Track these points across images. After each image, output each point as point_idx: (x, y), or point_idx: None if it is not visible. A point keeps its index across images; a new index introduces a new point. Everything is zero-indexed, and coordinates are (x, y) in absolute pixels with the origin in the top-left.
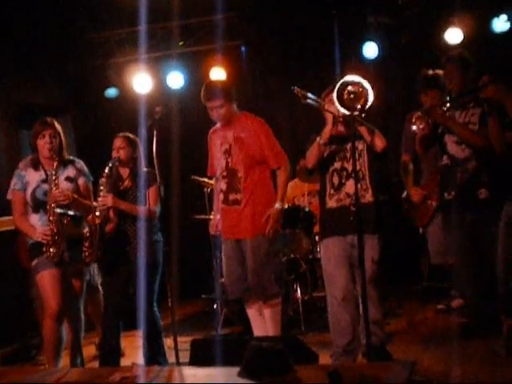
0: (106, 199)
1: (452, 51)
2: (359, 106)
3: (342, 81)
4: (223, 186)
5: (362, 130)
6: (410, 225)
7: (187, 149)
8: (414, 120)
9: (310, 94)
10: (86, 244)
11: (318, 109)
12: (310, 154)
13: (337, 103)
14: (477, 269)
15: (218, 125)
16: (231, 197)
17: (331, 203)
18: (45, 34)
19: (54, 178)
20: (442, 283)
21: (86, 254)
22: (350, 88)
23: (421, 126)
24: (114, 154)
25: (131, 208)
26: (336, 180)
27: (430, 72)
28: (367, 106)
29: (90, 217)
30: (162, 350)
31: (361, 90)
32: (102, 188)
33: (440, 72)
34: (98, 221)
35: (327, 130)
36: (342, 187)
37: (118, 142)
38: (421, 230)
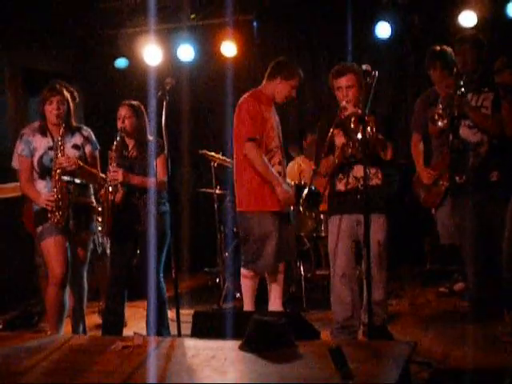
0: (116, 174)
1: (464, 33)
2: (369, 129)
3: (346, 115)
4: (281, 159)
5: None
6: (414, 206)
7: (196, 122)
8: (436, 118)
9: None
10: (100, 219)
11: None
12: (324, 167)
13: (350, 134)
14: (484, 252)
15: (257, 98)
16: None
17: (340, 186)
18: (55, 1)
19: (59, 144)
20: (445, 266)
21: (101, 228)
22: (353, 119)
23: (445, 122)
24: (120, 124)
25: (141, 181)
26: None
27: (438, 47)
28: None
29: (102, 192)
30: (165, 322)
31: (364, 119)
32: (111, 162)
33: (448, 48)
34: (111, 196)
35: (339, 155)
36: (350, 171)
37: (123, 111)
38: (433, 211)
